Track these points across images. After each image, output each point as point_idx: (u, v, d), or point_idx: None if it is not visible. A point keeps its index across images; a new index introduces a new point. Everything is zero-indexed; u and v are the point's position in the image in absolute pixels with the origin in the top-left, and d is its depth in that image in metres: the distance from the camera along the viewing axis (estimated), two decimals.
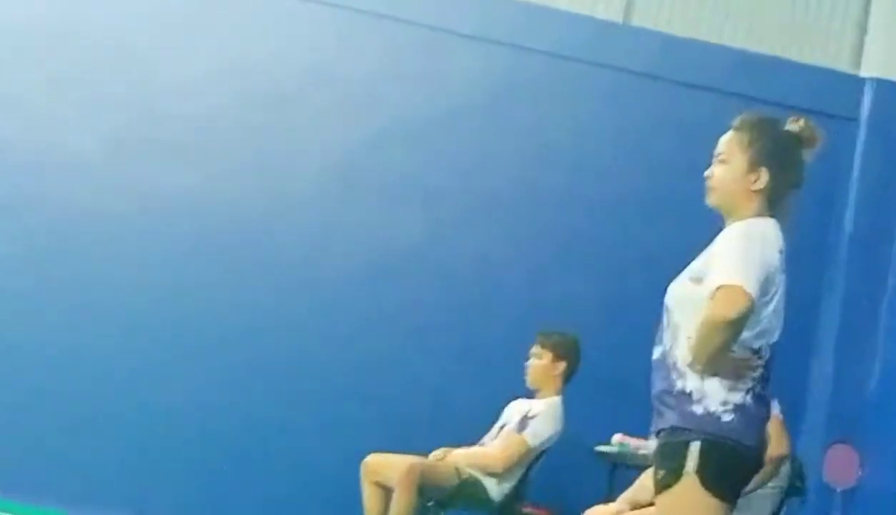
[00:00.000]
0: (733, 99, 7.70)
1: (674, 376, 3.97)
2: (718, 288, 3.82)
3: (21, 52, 7.86)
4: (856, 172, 8.08)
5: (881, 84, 8.18)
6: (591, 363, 7.30)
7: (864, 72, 8.24)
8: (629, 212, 8.13)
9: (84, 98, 7.86)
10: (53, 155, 7.78)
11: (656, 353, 4.09)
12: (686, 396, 3.93)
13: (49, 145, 7.78)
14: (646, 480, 5.14)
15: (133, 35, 7.96)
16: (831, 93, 8.14)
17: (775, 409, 5.92)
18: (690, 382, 3.95)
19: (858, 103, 8.16)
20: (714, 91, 8.00)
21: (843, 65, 8.30)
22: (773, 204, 4.09)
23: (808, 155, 4.15)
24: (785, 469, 6.41)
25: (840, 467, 7.75)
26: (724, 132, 4.24)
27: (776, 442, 6.03)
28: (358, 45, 8.13)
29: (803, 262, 7.35)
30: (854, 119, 8.14)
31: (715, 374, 3.93)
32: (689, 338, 3.95)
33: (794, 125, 4.15)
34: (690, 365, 3.94)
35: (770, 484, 6.31)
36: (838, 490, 7.75)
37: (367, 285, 7.95)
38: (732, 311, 3.77)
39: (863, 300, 8.00)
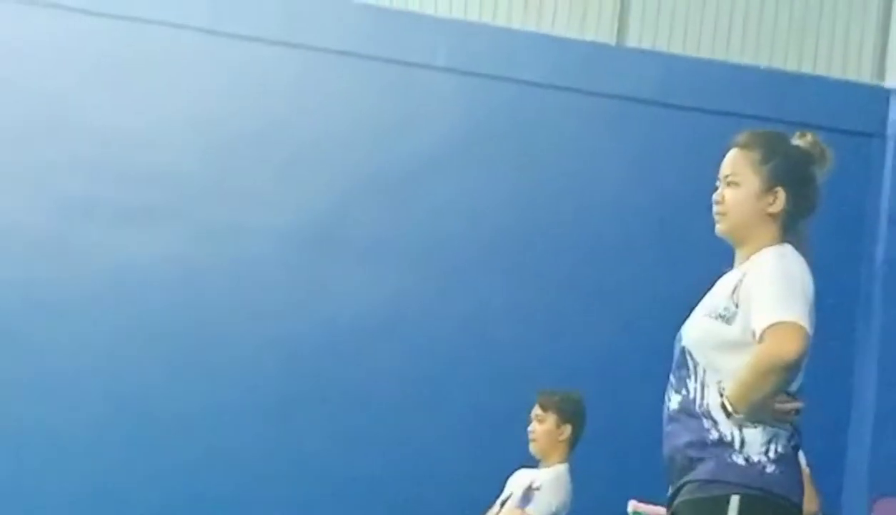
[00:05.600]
0: (744, 121, 7.51)
1: (706, 424, 3.80)
2: (771, 326, 3.67)
3: None
4: (886, 194, 7.91)
5: None
6: (598, 423, 7.13)
7: (890, 82, 8.09)
8: (635, 251, 7.87)
9: (24, 162, 7.76)
10: None
11: (674, 402, 3.91)
12: (724, 445, 3.77)
13: None
14: None
15: (76, 88, 7.84)
16: (854, 107, 7.90)
17: (802, 460, 5.77)
18: (727, 430, 3.78)
19: (885, 117, 7.99)
20: (722, 114, 7.85)
21: (865, 76, 8.15)
22: (788, 230, 3.94)
23: (819, 175, 3.99)
24: None
25: None
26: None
27: (808, 499, 5.87)
28: (323, 87, 8.01)
29: (834, 295, 7.24)
30: (881, 135, 7.99)
31: (757, 422, 3.78)
32: (722, 383, 3.78)
33: (801, 141, 3.99)
34: (728, 413, 3.76)
35: None
36: None
37: (345, 353, 7.74)
38: (792, 351, 3.65)
39: None
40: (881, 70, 8.09)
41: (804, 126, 7.27)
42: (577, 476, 6.82)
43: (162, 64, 7.84)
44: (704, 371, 3.85)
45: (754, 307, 3.75)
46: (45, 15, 7.76)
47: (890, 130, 7.94)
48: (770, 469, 3.77)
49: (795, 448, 3.87)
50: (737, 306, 3.81)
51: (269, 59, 7.91)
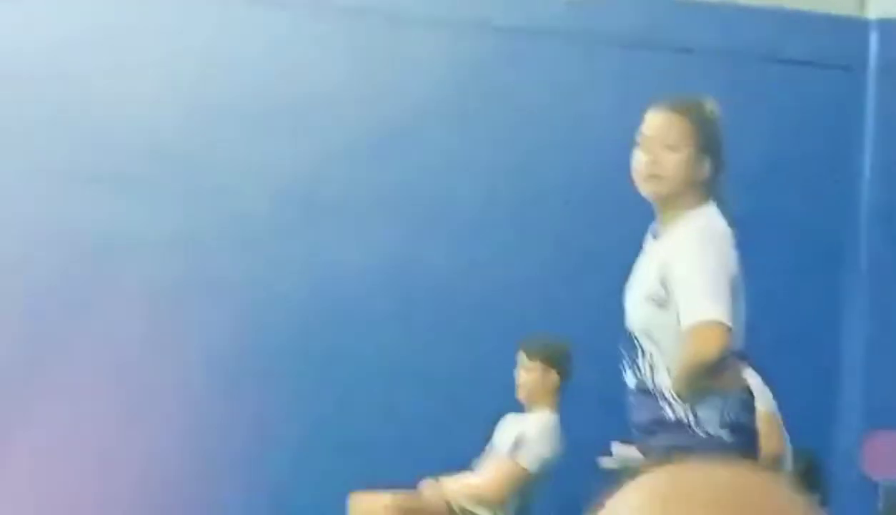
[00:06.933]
0: (722, 58, 7.49)
1: (662, 404, 3.98)
2: (692, 328, 3.84)
3: None
4: (869, 130, 7.79)
5: (890, 26, 7.82)
6: (581, 372, 7.01)
7: (871, 13, 7.95)
8: (624, 210, 7.82)
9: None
10: None
11: (631, 380, 4.08)
12: (682, 426, 3.95)
13: None
14: None
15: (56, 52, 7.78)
16: (833, 41, 7.83)
17: (765, 405, 5.69)
18: (681, 411, 3.96)
19: (865, 50, 7.89)
20: (700, 52, 7.75)
21: (846, 8, 8.02)
22: (712, 194, 4.12)
23: None
24: (785, 466, 6.20)
25: (882, 457, 7.53)
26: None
27: (768, 439, 5.82)
28: (312, 43, 7.91)
29: (820, 238, 7.17)
30: (861, 69, 7.87)
31: (707, 397, 3.96)
32: (670, 369, 3.94)
33: (713, 106, 4.19)
34: (678, 396, 3.95)
35: None
36: (882, 483, 7.52)
37: (332, 312, 7.68)
38: (713, 352, 3.84)
39: (891, 270, 7.72)
40: (862, 1, 7.94)
41: (783, 61, 7.24)
42: (564, 421, 6.82)
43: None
44: (652, 354, 4.01)
45: (680, 302, 3.91)
46: None
47: (871, 64, 7.80)
48: (728, 439, 3.95)
49: (746, 404, 4.03)
50: (667, 292, 3.98)
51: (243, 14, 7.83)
